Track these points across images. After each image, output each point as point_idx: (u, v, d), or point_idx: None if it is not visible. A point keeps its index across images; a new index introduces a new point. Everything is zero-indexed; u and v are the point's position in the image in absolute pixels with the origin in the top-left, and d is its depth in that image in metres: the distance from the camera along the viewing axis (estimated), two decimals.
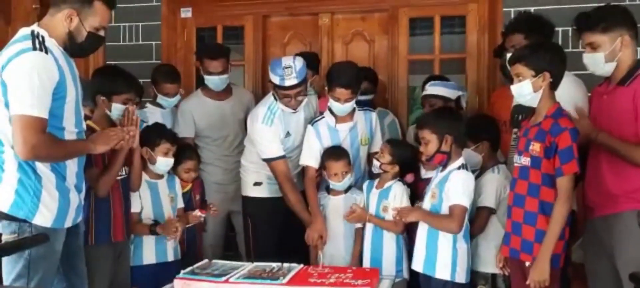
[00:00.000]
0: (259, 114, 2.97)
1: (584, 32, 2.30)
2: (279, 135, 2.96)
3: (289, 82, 2.81)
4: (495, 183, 2.61)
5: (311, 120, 3.00)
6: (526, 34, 2.72)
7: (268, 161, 2.97)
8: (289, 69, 2.80)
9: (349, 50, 3.96)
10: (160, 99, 3.29)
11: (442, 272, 2.49)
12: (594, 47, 2.29)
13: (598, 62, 2.29)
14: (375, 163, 2.80)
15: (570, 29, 3.31)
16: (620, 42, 2.26)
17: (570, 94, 2.38)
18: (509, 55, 2.71)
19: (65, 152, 2.16)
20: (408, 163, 2.82)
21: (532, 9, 3.32)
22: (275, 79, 2.84)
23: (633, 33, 2.29)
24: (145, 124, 2.95)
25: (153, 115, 3.24)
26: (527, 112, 2.56)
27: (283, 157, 2.96)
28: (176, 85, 3.31)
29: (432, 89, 3.11)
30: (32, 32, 2.10)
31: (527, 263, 2.26)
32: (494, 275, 2.63)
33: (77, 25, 2.16)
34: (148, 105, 3.34)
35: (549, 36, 2.75)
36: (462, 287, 2.51)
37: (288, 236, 3.02)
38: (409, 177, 2.82)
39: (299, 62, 2.85)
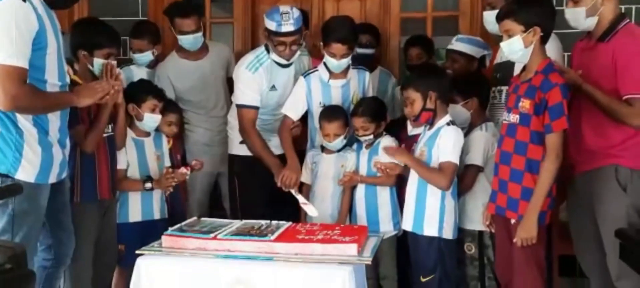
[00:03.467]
0: (245, 60, 2.93)
1: None
2: (261, 86, 2.91)
3: (286, 28, 2.76)
4: (483, 140, 2.60)
5: (304, 72, 2.96)
6: None
7: (240, 107, 2.92)
8: (287, 15, 2.75)
9: (340, 7, 3.88)
10: (133, 55, 3.21)
11: (429, 229, 2.50)
12: (575, 1, 2.28)
13: (579, 17, 2.29)
14: (364, 138, 2.77)
15: None
16: None
17: None
18: (486, 13, 2.69)
19: (47, 103, 2.11)
20: (383, 111, 2.82)
21: None
22: (272, 25, 2.78)
23: None
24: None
25: (139, 72, 3.17)
26: (504, 70, 2.56)
27: (256, 107, 2.91)
28: (145, 42, 3.21)
29: (457, 44, 3.03)
30: None
31: (513, 221, 2.28)
32: (480, 233, 2.65)
33: None
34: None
35: None
36: (449, 243, 2.52)
37: (276, 195, 3.00)
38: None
39: (296, 11, 2.81)
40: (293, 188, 2.78)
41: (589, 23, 2.30)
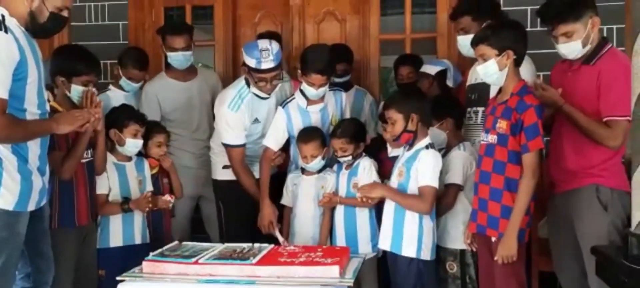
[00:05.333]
0: (227, 97, 2.93)
1: (557, 24, 2.32)
2: (244, 122, 2.93)
3: (265, 65, 2.77)
4: (461, 160, 2.64)
5: (281, 102, 2.97)
6: (474, 16, 2.72)
7: (227, 146, 2.96)
8: (266, 52, 2.76)
9: (321, 30, 3.93)
10: (124, 81, 3.22)
11: (408, 250, 2.51)
12: (568, 36, 2.31)
13: (575, 49, 2.32)
14: (343, 159, 2.80)
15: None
16: (591, 24, 2.29)
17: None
18: (460, 37, 2.74)
19: (27, 132, 2.11)
20: (362, 132, 2.86)
21: None
22: (251, 62, 2.78)
23: (596, 11, 2.32)
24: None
25: (116, 98, 3.15)
26: (480, 91, 2.61)
27: (242, 145, 2.94)
28: (143, 73, 3.25)
29: (423, 67, 3.28)
30: None
31: (493, 239, 2.31)
32: (462, 251, 2.66)
33: (38, 4, 2.10)
34: (111, 87, 3.26)
35: (496, 15, 2.74)
36: (427, 264, 2.54)
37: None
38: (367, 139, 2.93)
39: (276, 46, 2.82)
40: (270, 231, 2.80)
41: (585, 52, 2.33)
